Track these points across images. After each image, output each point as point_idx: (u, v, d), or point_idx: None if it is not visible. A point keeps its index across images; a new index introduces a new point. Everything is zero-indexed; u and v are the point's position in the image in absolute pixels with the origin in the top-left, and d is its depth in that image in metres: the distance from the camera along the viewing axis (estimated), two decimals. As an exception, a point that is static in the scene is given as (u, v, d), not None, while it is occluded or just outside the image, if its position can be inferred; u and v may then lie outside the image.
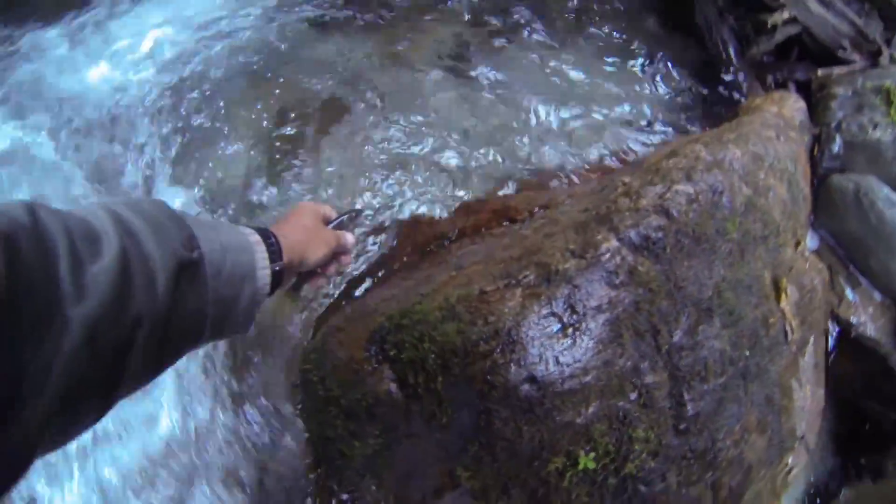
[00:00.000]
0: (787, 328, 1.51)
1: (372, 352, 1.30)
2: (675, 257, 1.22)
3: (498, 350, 1.10)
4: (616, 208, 1.23)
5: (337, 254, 1.15)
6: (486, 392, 1.12)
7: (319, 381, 1.43)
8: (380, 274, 1.55)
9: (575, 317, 1.12)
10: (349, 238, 1.20)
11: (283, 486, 1.57)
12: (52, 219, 0.51)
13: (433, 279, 1.32)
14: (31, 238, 0.48)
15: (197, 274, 0.66)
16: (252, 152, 1.78)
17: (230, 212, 1.73)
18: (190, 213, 0.74)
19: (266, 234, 0.86)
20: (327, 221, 1.21)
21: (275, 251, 0.86)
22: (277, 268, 0.86)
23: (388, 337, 1.26)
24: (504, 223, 1.48)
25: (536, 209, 1.44)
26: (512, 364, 1.10)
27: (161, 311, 0.59)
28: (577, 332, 1.12)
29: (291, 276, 1.04)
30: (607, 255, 1.16)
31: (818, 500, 2.02)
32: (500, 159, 1.70)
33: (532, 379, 1.10)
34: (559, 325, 1.12)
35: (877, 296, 1.99)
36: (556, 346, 1.11)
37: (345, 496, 1.48)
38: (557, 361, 1.11)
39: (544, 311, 1.12)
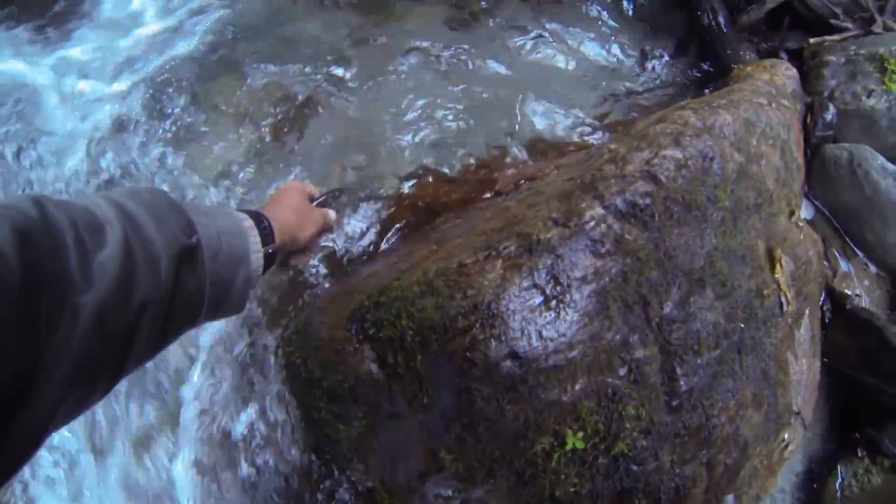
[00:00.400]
0: (783, 300, 1.39)
1: (352, 331, 1.19)
2: (664, 225, 1.09)
3: (477, 325, 0.98)
4: (601, 175, 1.11)
5: (322, 231, 1.14)
6: (466, 370, 1.00)
7: (302, 362, 1.32)
8: (364, 252, 1.43)
9: (558, 288, 1.00)
10: (332, 215, 1.20)
11: (278, 473, 1.46)
12: (59, 211, 0.51)
13: (414, 255, 1.20)
14: (41, 232, 0.48)
15: (195, 258, 0.66)
16: (237, 135, 1.66)
17: (218, 194, 1.61)
18: (185, 200, 0.70)
19: (259, 218, 0.86)
20: (311, 200, 1.19)
21: (267, 234, 0.86)
22: (270, 250, 0.85)
23: (367, 315, 1.15)
24: (489, 197, 1.36)
25: (522, 181, 1.32)
26: (492, 339, 0.98)
27: (164, 294, 0.60)
28: (561, 305, 1.00)
29: (282, 256, 1.03)
30: (592, 223, 1.03)
31: (814, 476, 1.93)
32: (485, 137, 1.58)
33: (514, 355, 0.98)
34: (542, 298, 1.00)
35: (872, 268, 1.86)
36: (539, 320, 0.99)
37: (334, 481, 1.38)
38: (540, 336, 0.99)
39: (525, 283, 0.99)
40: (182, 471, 1.44)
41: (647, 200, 1.08)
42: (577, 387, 1.04)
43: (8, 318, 0.42)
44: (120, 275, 0.54)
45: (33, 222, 0.47)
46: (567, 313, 1.00)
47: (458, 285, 1.01)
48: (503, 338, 0.98)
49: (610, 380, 1.06)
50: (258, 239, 0.82)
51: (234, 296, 0.76)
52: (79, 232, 0.52)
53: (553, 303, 0.99)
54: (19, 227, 0.45)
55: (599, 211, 1.05)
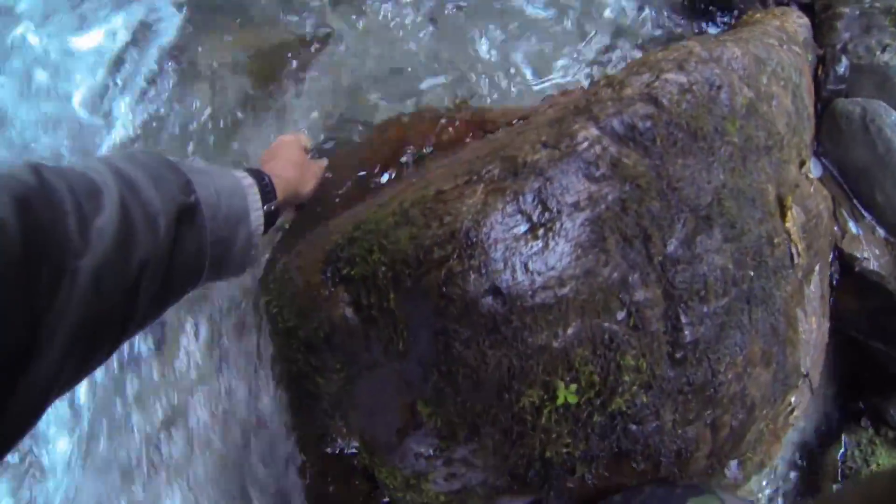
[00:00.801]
0: (794, 251, 1.17)
1: (328, 274, 1.00)
2: (666, 152, 0.88)
3: (454, 256, 0.78)
4: (596, 99, 0.90)
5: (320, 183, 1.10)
6: (443, 308, 0.80)
7: (279, 312, 1.13)
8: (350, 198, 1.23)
9: (547, 214, 0.79)
10: (325, 164, 1.15)
11: (265, 436, 1.28)
12: (57, 178, 0.49)
13: (394, 189, 1.00)
14: (41, 199, 0.45)
15: (195, 217, 0.62)
16: (222, 89, 1.47)
17: (209, 149, 1.43)
18: (183, 161, 0.67)
19: (260, 176, 0.80)
20: (306, 151, 1.12)
21: (269, 191, 0.81)
22: (273, 207, 0.80)
23: (341, 254, 0.95)
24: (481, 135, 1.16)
25: (516, 121, 1.11)
26: (471, 272, 0.77)
27: (163, 253, 0.57)
28: (551, 234, 0.79)
29: (285, 211, 0.97)
30: (585, 144, 0.82)
31: (816, 444, 1.72)
32: (479, 86, 1.38)
33: (496, 290, 0.78)
34: (528, 225, 0.79)
35: (880, 232, 1.62)
36: (525, 251, 0.78)
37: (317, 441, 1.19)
38: (526, 269, 0.78)
39: (510, 209, 0.79)
40: (163, 432, 1.26)
41: (648, 123, 0.86)
42: (570, 331, 0.84)
43: (10, 284, 0.40)
44: (117, 237, 0.50)
45: (32, 190, 0.45)
46: (557, 243, 0.79)
47: (435, 212, 0.81)
48: (483, 270, 0.77)
49: (607, 324, 0.86)
50: (258, 197, 0.77)
51: (235, 255, 0.72)
52: (77, 198, 0.49)
53: (541, 231, 0.79)
54: (19, 195, 0.43)
55: (594, 132, 0.84)
